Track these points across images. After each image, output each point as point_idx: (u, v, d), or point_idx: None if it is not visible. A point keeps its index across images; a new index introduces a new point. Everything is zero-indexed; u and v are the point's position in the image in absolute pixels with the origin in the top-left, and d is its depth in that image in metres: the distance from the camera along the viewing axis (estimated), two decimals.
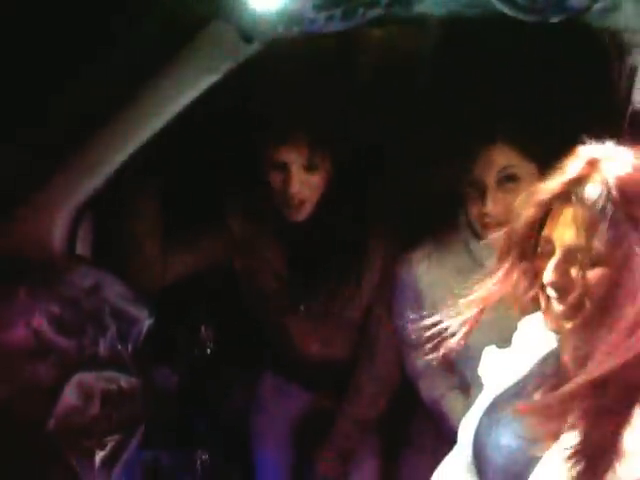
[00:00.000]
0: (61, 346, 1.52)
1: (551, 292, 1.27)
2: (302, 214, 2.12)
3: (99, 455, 1.49)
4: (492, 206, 1.92)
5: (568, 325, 1.26)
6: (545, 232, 1.30)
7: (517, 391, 1.40)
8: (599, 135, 1.31)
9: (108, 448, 1.51)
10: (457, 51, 2.01)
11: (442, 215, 2.03)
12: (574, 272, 1.24)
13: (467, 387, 2.08)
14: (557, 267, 1.25)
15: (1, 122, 1.84)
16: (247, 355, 2.48)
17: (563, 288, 1.25)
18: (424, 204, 2.10)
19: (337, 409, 2.33)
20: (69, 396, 1.48)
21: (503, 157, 1.91)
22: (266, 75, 1.97)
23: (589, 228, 1.22)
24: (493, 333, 1.54)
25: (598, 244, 1.21)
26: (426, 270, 2.11)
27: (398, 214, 2.19)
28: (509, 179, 1.92)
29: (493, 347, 1.56)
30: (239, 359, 2.50)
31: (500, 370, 1.48)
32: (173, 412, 2.30)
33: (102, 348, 1.57)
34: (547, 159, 1.77)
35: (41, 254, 1.74)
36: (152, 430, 1.93)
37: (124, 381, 1.55)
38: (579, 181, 1.26)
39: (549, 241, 1.28)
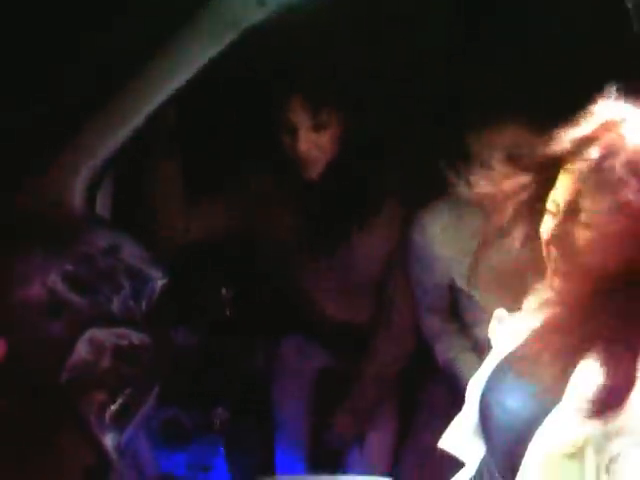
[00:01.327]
0: (74, 303, 1.56)
1: (554, 251, 1.27)
2: (314, 173, 2.16)
3: (110, 408, 1.55)
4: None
5: (568, 286, 1.25)
6: (554, 191, 1.29)
7: (522, 353, 1.40)
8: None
9: (119, 402, 1.56)
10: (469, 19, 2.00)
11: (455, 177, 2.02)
12: (575, 231, 1.24)
13: (482, 350, 2.09)
14: (558, 226, 1.26)
15: (24, 83, 1.88)
16: (267, 317, 2.51)
17: (564, 246, 1.25)
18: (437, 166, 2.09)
19: (356, 370, 2.36)
20: (81, 350, 1.53)
21: (508, 137, 1.89)
22: (275, 38, 1.98)
23: (592, 190, 1.22)
24: (508, 298, 1.55)
25: (598, 207, 1.21)
26: (440, 234, 2.11)
27: (411, 175, 2.19)
28: (516, 157, 1.89)
29: (502, 310, 1.56)
30: (259, 321, 2.53)
31: (507, 333, 1.48)
32: (193, 371, 2.34)
33: (115, 306, 1.61)
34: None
35: (60, 213, 1.78)
36: (171, 389, 1.98)
37: (136, 338, 1.59)
38: (590, 141, 1.24)
39: (555, 201, 1.28)
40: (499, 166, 1.89)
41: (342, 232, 2.26)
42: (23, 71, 1.91)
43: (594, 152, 1.23)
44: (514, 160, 1.84)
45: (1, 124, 1.80)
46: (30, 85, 1.90)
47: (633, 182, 1.18)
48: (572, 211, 1.25)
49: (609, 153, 1.21)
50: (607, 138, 1.23)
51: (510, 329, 1.49)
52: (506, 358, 1.43)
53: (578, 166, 1.25)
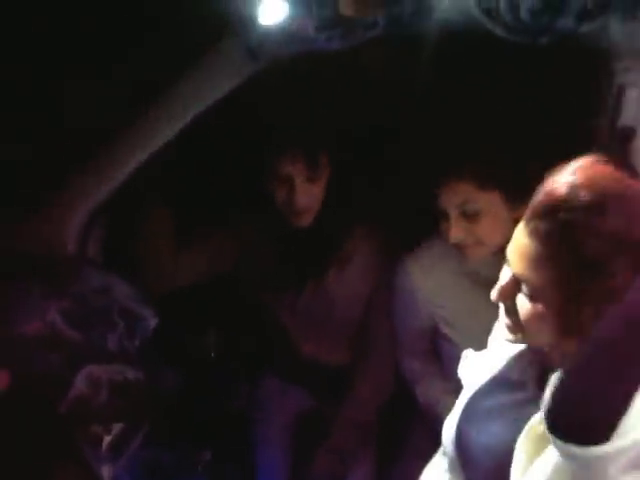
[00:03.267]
0: (73, 339, 1.62)
1: (500, 305, 1.36)
2: (306, 221, 2.22)
3: (106, 440, 1.59)
4: (455, 233, 1.99)
5: (514, 337, 1.35)
6: (507, 251, 1.34)
7: (488, 390, 1.48)
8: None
9: (114, 434, 1.61)
10: (444, 73, 2.09)
11: (434, 223, 2.10)
12: (519, 297, 1.31)
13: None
14: (504, 289, 1.33)
15: (18, 122, 1.95)
16: (250, 358, 2.56)
17: (507, 307, 1.33)
18: (418, 214, 2.17)
19: (335, 411, 2.41)
20: (79, 385, 1.58)
21: (461, 193, 1.96)
22: (269, 89, 2.06)
23: (536, 263, 1.26)
24: (486, 340, 1.62)
25: (539, 281, 1.26)
26: (422, 279, 2.17)
27: (390, 220, 2.27)
28: (469, 212, 1.97)
29: (470, 350, 1.63)
30: (242, 362, 2.58)
31: (476, 371, 1.55)
32: (176, 412, 2.37)
33: (110, 343, 1.67)
34: (511, 187, 1.85)
35: (55, 254, 1.84)
36: (155, 430, 2.02)
37: (130, 374, 1.65)
38: (536, 212, 1.27)
39: (507, 261, 1.34)
40: (455, 218, 1.99)
41: (315, 273, 2.32)
42: (18, 112, 1.98)
43: (540, 225, 1.24)
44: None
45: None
46: (24, 131, 1.98)
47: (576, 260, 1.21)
48: (517, 279, 1.30)
49: (553, 228, 1.22)
50: (552, 212, 1.23)
51: (477, 368, 1.56)
52: (474, 396, 1.50)
53: (527, 236, 1.27)
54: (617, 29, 1.79)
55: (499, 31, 1.74)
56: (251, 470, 2.52)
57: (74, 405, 1.57)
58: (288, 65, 1.89)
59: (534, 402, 1.30)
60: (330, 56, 1.83)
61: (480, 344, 1.61)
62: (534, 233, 1.26)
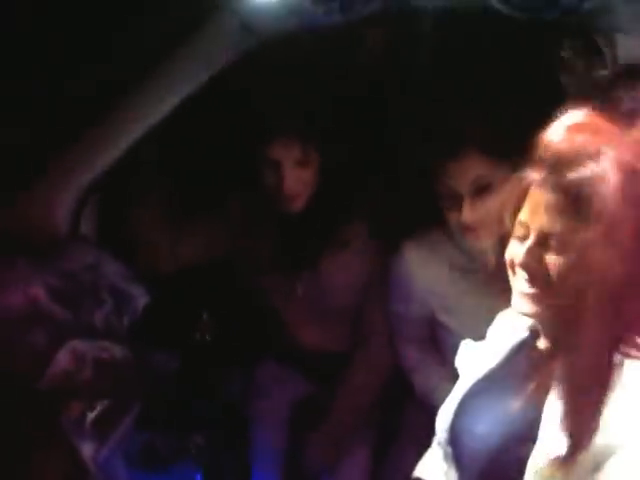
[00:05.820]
0: (57, 315, 1.59)
1: (523, 274, 1.29)
2: (296, 207, 2.17)
3: (89, 417, 1.56)
4: (469, 215, 1.93)
5: (537, 309, 1.29)
6: (521, 215, 1.31)
7: (489, 381, 1.43)
8: None
9: (98, 411, 1.57)
10: (445, 48, 2.05)
11: (433, 213, 2.06)
12: (547, 257, 1.26)
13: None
14: (530, 250, 1.28)
15: (16, 102, 1.92)
16: (247, 342, 2.53)
17: (534, 271, 1.28)
18: (415, 201, 2.13)
19: (331, 397, 2.37)
20: (62, 360, 1.55)
21: (474, 168, 1.90)
22: (261, 72, 2.02)
23: (564, 215, 1.24)
24: (483, 328, 1.58)
25: (569, 232, 1.23)
26: (419, 267, 2.13)
27: (388, 209, 2.23)
28: (484, 188, 1.91)
29: (469, 340, 1.59)
30: (239, 346, 2.55)
31: (474, 362, 1.51)
32: (171, 396, 2.35)
33: (97, 320, 1.64)
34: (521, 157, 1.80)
35: (45, 231, 1.81)
36: (149, 413, 1.99)
37: (117, 351, 1.62)
38: (558, 167, 1.25)
39: (524, 224, 1.30)
40: (468, 198, 1.94)
41: (312, 258, 2.28)
42: (11, 91, 1.95)
43: (565, 179, 1.24)
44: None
45: None
46: (16, 106, 1.95)
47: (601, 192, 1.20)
48: (544, 236, 1.26)
49: (581, 180, 1.22)
50: (577, 164, 1.23)
51: (476, 358, 1.51)
52: (474, 386, 1.45)
53: (549, 193, 1.26)
54: (622, 11, 1.76)
55: (503, 7, 1.70)
56: (245, 455, 2.49)
57: (56, 379, 1.54)
58: (284, 49, 1.84)
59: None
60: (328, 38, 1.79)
61: (479, 333, 1.57)
62: (557, 186, 1.25)
